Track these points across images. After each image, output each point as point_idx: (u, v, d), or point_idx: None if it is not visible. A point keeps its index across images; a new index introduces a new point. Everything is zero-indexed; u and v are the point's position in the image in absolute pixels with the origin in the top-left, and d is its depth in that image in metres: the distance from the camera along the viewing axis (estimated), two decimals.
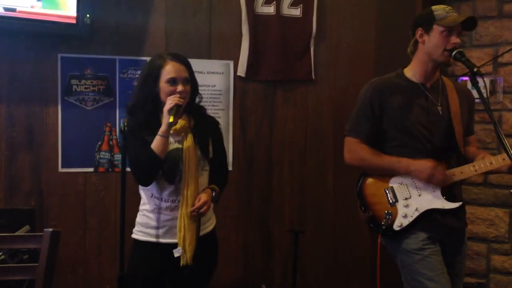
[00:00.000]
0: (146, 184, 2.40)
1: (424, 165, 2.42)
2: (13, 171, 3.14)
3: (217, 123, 2.64)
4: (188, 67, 2.44)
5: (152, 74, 2.39)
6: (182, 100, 2.33)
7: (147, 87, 2.39)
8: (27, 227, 3.00)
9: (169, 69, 2.37)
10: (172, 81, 2.37)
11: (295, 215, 3.57)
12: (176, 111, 2.30)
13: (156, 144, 2.32)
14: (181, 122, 2.41)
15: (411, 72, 2.55)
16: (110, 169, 3.27)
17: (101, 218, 3.27)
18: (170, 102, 2.30)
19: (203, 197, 2.39)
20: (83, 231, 3.26)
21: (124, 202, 2.24)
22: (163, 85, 2.37)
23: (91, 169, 3.25)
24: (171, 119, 2.25)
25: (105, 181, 3.27)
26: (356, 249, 3.56)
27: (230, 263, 3.45)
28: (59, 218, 3.20)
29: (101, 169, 3.27)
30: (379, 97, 2.51)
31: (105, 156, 3.27)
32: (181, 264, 2.37)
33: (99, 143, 3.26)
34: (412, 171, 2.46)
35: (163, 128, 2.31)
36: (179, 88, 2.36)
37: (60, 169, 3.21)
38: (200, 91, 2.56)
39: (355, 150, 2.56)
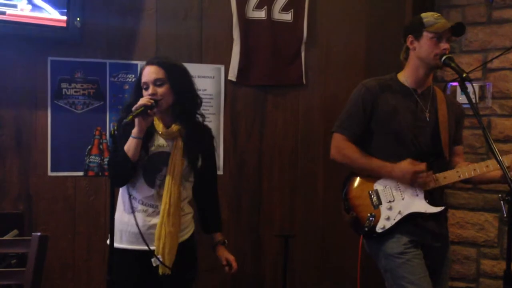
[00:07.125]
0: (118, 184, 2.36)
1: (406, 170, 2.44)
2: (1, 174, 3.12)
3: (212, 137, 2.59)
4: (166, 68, 2.38)
5: (136, 83, 2.44)
6: (151, 101, 2.28)
7: (135, 95, 2.41)
8: (15, 232, 2.98)
9: (143, 75, 2.38)
10: (145, 86, 2.37)
11: (285, 220, 3.57)
12: (143, 112, 2.24)
13: (127, 144, 2.29)
14: (174, 127, 2.40)
15: (404, 77, 2.59)
16: (100, 173, 3.26)
17: (90, 223, 3.25)
18: (139, 102, 2.28)
19: (230, 256, 2.65)
20: (72, 236, 3.23)
21: (113, 207, 2.23)
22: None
23: (81, 173, 3.23)
24: (128, 118, 2.20)
25: (94, 185, 3.25)
26: (345, 254, 3.55)
27: (220, 267, 3.44)
28: (48, 222, 3.18)
29: (91, 173, 3.25)
30: (371, 97, 2.54)
31: (95, 160, 3.25)
32: (160, 273, 2.34)
33: (89, 147, 3.24)
34: (395, 177, 2.49)
35: (135, 129, 2.28)
36: (149, 90, 2.34)
37: (49, 173, 3.19)
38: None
39: (341, 147, 2.59)
